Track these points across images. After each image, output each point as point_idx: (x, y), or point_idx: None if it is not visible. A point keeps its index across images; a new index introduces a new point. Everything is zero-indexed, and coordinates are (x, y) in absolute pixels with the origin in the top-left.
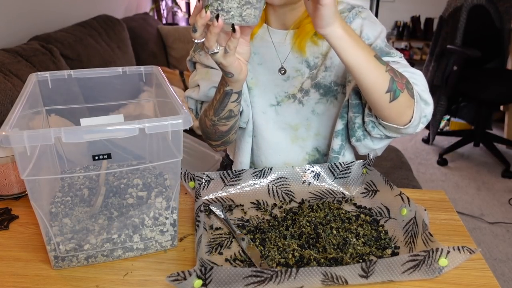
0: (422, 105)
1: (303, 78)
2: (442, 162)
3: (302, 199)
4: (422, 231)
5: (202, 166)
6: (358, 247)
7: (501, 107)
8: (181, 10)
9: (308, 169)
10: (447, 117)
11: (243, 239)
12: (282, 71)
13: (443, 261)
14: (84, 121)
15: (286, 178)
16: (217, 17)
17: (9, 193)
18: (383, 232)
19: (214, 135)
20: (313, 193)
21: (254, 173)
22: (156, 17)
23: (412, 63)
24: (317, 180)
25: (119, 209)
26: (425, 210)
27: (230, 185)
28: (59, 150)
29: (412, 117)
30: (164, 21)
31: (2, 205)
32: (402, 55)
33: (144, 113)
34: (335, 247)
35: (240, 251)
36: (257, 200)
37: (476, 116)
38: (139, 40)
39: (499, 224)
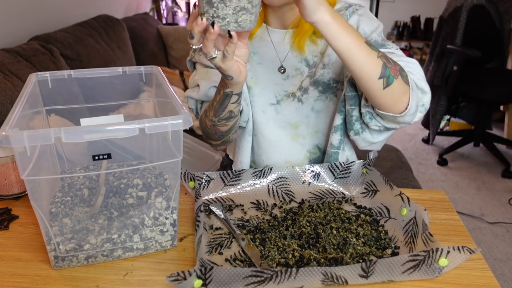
0: (419, 93)
1: (302, 77)
2: (442, 162)
3: (302, 199)
4: (422, 231)
5: (202, 166)
6: (358, 247)
7: (501, 107)
8: (181, 10)
9: (308, 169)
10: (447, 117)
11: (243, 239)
12: (282, 70)
13: (443, 261)
14: (84, 121)
15: (286, 178)
16: (212, 24)
17: (9, 193)
18: (383, 232)
19: (214, 135)
20: (313, 193)
21: (254, 173)
22: (156, 17)
23: None
24: (317, 180)
25: (119, 209)
26: (425, 210)
27: (230, 185)
28: (59, 150)
29: (408, 104)
30: (164, 21)
31: (2, 205)
32: (398, 47)
33: (144, 113)
34: (335, 247)
35: (240, 251)
36: (257, 200)
37: (476, 116)
38: (139, 40)
39: (499, 224)
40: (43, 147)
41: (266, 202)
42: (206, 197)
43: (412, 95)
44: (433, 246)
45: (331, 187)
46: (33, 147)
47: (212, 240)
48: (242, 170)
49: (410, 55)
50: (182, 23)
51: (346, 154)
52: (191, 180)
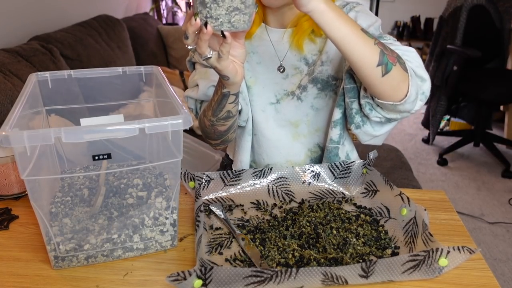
0: (418, 81)
1: (301, 76)
2: (442, 162)
3: (302, 199)
4: (422, 231)
5: (202, 166)
6: (358, 247)
7: (501, 107)
8: (181, 10)
9: (308, 169)
10: (447, 117)
11: (243, 239)
12: (281, 69)
13: (443, 261)
14: (84, 121)
15: (286, 178)
16: (205, 24)
17: (9, 193)
18: (383, 232)
19: (213, 135)
20: (313, 193)
21: (254, 173)
22: (156, 17)
23: None
24: (317, 180)
25: (119, 209)
26: (425, 210)
27: (230, 185)
28: (59, 150)
29: (408, 91)
30: (164, 21)
31: (2, 205)
32: (396, 39)
33: (144, 113)
34: (335, 247)
35: (240, 251)
36: (257, 200)
37: (476, 116)
38: (139, 40)
39: (499, 224)
40: (43, 147)
41: (266, 202)
42: (206, 197)
43: (411, 82)
44: (433, 246)
45: (331, 187)
46: (33, 147)
47: (212, 240)
48: (242, 170)
49: None
50: (182, 23)
51: (346, 149)
52: (191, 180)
